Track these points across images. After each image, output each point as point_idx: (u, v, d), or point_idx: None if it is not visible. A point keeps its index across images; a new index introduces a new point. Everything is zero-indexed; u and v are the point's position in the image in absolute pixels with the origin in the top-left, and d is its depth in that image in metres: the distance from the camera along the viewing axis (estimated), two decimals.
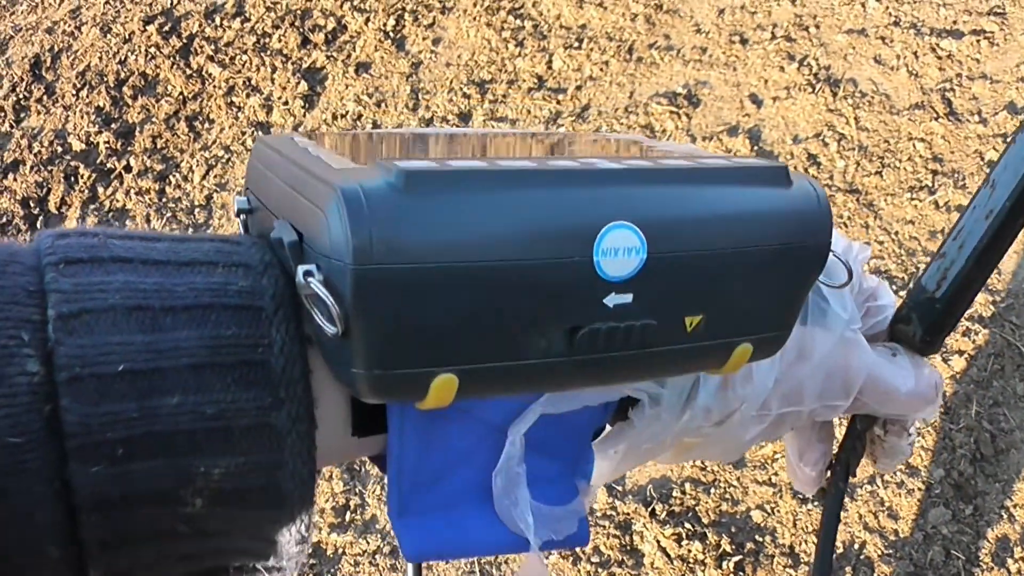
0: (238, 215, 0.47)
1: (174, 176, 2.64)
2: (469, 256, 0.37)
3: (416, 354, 0.38)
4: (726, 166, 0.42)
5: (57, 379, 0.37)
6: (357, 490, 1.96)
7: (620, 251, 0.38)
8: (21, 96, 2.88)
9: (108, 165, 2.69)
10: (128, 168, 2.67)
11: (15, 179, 2.72)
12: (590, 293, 0.38)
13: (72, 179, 2.68)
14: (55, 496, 0.37)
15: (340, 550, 1.88)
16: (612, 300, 0.39)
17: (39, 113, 2.83)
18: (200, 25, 2.91)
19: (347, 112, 2.62)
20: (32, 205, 2.66)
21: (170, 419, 0.38)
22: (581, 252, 0.37)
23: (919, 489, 1.70)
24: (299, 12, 2.89)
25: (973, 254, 0.57)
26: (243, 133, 2.68)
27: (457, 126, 2.41)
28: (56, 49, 2.96)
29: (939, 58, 2.35)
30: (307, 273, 0.38)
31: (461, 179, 0.37)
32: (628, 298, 0.39)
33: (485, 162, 0.40)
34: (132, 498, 0.39)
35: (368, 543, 1.88)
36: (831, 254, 0.46)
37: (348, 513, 1.93)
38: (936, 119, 2.22)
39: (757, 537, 1.73)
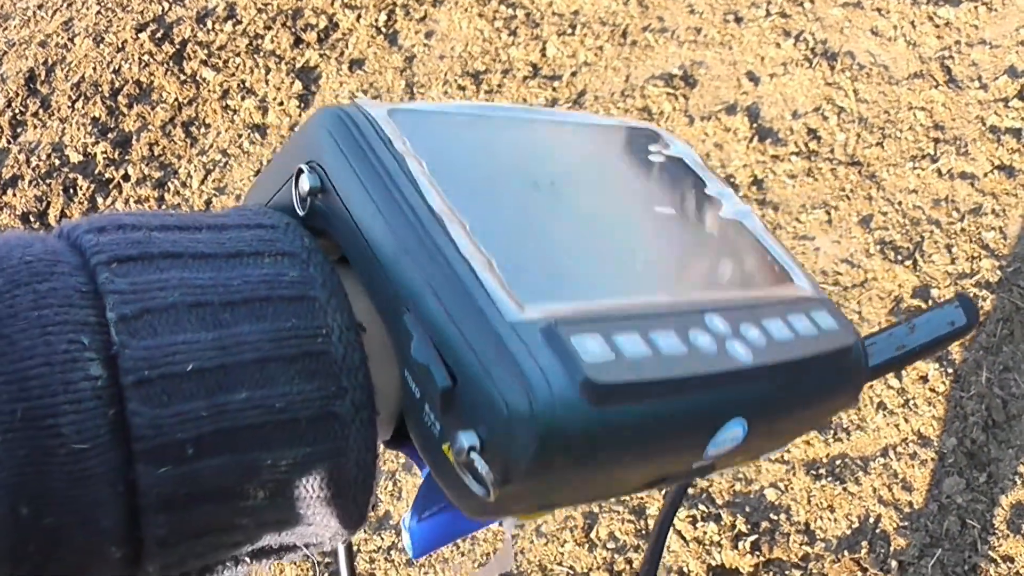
0: (308, 195, 0.46)
1: (172, 183, 2.63)
2: (624, 455, 0.40)
3: (540, 506, 0.42)
4: (823, 352, 0.47)
5: (123, 382, 0.36)
6: None
7: (727, 440, 0.42)
8: (17, 111, 2.88)
9: (106, 175, 2.68)
10: (127, 177, 2.67)
11: (14, 194, 2.72)
12: (688, 463, 0.43)
13: (71, 191, 2.68)
14: (119, 499, 0.37)
15: (355, 547, 1.87)
16: (697, 464, 0.43)
17: (36, 127, 2.83)
18: (192, 30, 2.90)
19: None
20: (32, 219, 2.66)
21: (239, 415, 0.38)
22: (701, 442, 0.42)
23: (932, 459, 1.68)
24: (290, 12, 2.88)
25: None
26: (239, 136, 2.67)
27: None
28: (50, 62, 2.95)
29: (937, 26, 2.32)
30: (471, 448, 0.38)
31: (643, 392, 0.39)
32: (709, 461, 0.43)
33: (651, 350, 0.41)
34: (197, 495, 0.38)
35: (383, 539, 1.87)
36: None
37: None
38: (936, 87, 2.20)
39: (772, 515, 1.71)
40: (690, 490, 1.78)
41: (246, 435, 0.39)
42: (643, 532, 1.76)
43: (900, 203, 2.03)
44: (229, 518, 0.40)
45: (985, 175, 2.01)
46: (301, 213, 0.46)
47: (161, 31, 2.93)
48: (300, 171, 0.46)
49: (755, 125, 2.28)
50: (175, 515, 0.38)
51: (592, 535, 1.79)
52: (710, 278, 0.48)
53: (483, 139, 0.48)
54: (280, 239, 0.43)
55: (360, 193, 0.44)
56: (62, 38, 3.01)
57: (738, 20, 2.51)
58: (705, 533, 1.71)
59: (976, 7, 2.32)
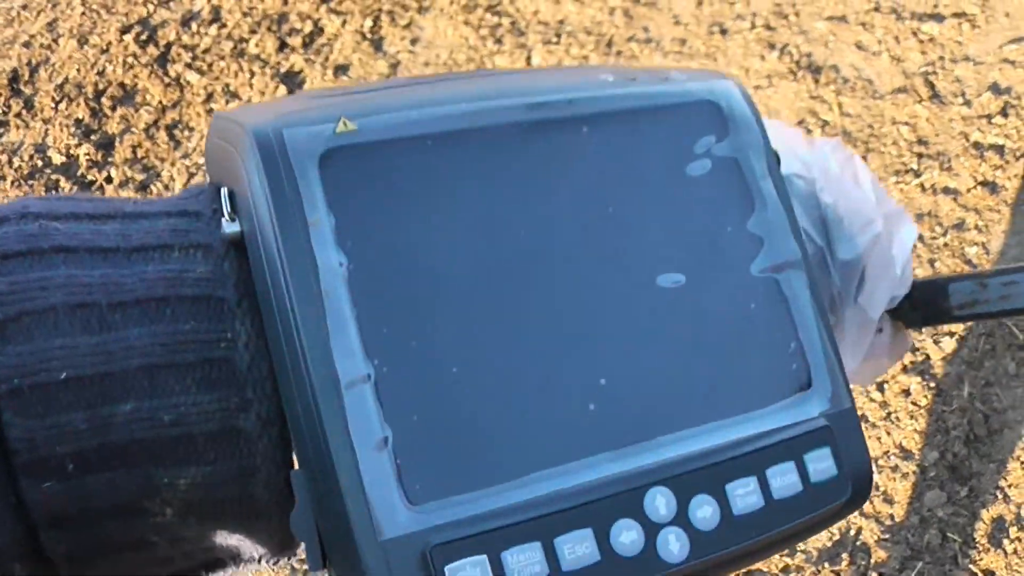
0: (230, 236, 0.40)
1: (155, 186, 2.62)
2: None
3: None
4: (794, 526, 0.41)
5: None
6: None
7: None
8: (0, 111, 2.86)
9: (89, 177, 2.67)
10: (109, 179, 2.65)
11: None
12: None
13: (54, 193, 2.66)
14: (12, 513, 0.34)
15: None
16: None
17: (18, 128, 2.81)
18: (177, 33, 2.89)
19: None
20: None
21: (124, 428, 0.35)
22: None
23: (914, 472, 1.69)
24: (275, 16, 2.87)
25: (1009, 312, 0.53)
26: None
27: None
28: (34, 63, 2.94)
29: (921, 42, 2.34)
30: None
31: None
32: None
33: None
34: (92, 512, 0.36)
35: None
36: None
37: None
38: (920, 102, 2.21)
39: None
40: None
41: (135, 450, 0.35)
42: None
43: None
44: (139, 534, 0.37)
45: (968, 190, 2.02)
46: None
47: (146, 33, 2.92)
48: (223, 195, 0.40)
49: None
50: (72, 532, 0.36)
51: None
52: (688, 410, 0.41)
53: (444, 190, 0.40)
54: (198, 229, 0.39)
55: (261, 276, 0.38)
56: (46, 39, 2.99)
57: (723, 32, 2.52)
58: None
59: (960, 23, 2.34)
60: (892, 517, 1.66)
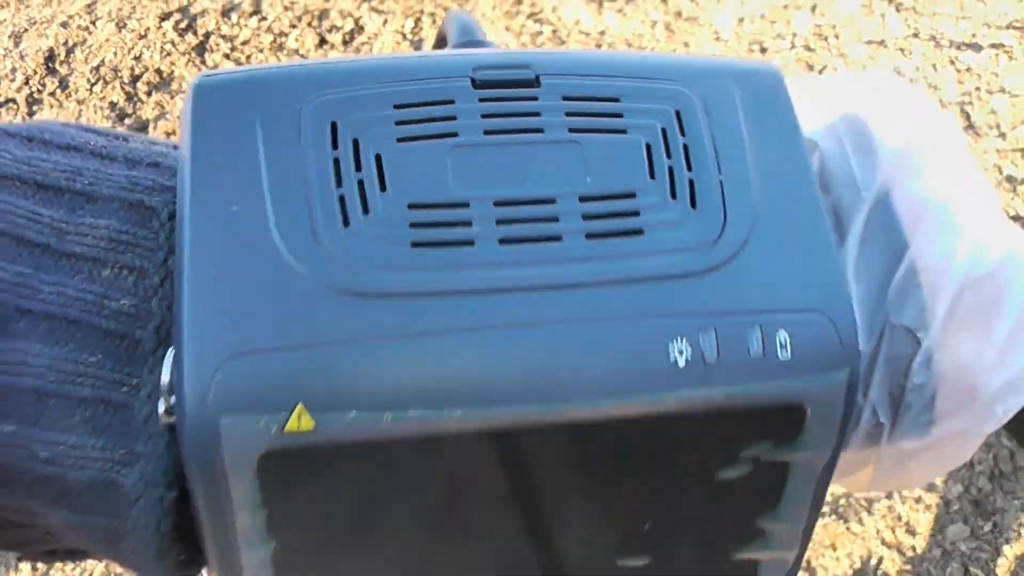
0: None
1: None
2: None
3: None
4: None
5: None
6: None
7: None
8: (35, 89, 2.87)
9: None
10: None
11: None
12: None
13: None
14: None
15: None
16: None
17: (52, 107, 2.82)
18: (217, 23, 2.90)
19: None
20: None
21: (2, 449, 0.32)
22: None
23: (937, 505, 1.70)
24: (317, 12, 2.88)
25: None
26: None
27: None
28: (71, 43, 2.95)
29: (958, 71, 2.35)
30: None
31: None
32: None
33: None
34: None
35: None
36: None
37: None
38: None
39: None
40: None
41: (10, 475, 0.33)
42: None
43: None
44: (22, 538, 0.36)
45: None
46: None
47: (185, 21, 2.93)
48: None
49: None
50: None
51: None
52: None
53: (385, 490, 0.36)
54: (140, 244, 0.35)
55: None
56: (84, 20, 3.01)
57: (763, 50, 2.53)
58: None
59: (997, 55, 2.35)
60: (914, 548, 1.67)
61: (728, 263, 0.34)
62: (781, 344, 0.33)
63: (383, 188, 0.34)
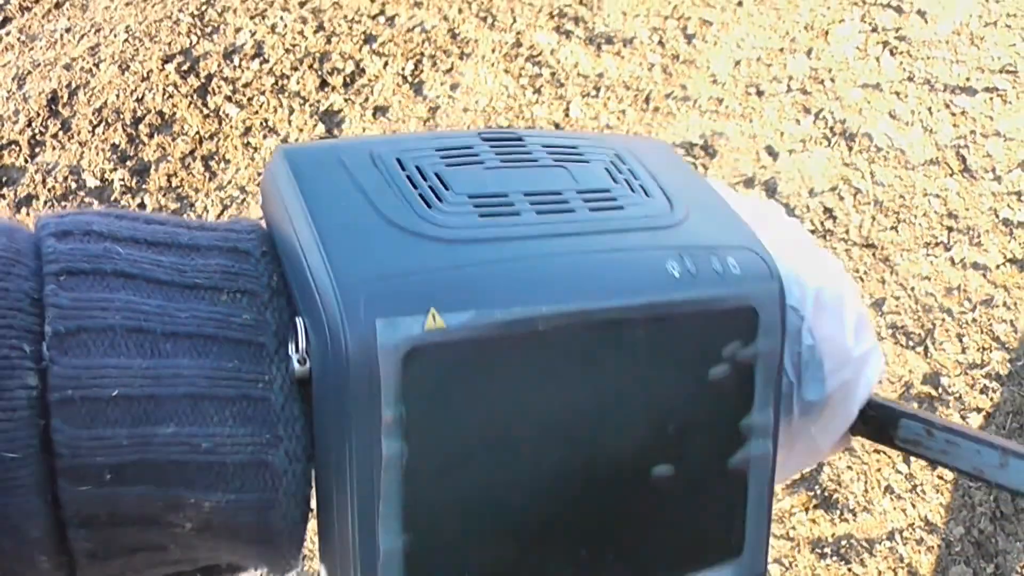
0: None
1: (189, 215, 2.64)
2: None
3: None
4: None
5: (49, 398, 0.36)
6: None
7: None
8: (37, 131, 2.89)
9: (122, 202, 2.70)
10: (142, 206, 2.68)
11: (28, 213, 2.72)
12: None
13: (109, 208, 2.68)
14: (46, 509, 0.37)
15: None
16: None
17: (54, 148, 2.84)
18: (219, 66, 2.93)
19: None
20: None
21: (163, 448, 0.38)
22: None
23: (939, 546, 1.71)
24: (318, 55, 2.91)
25: (946, 466, 0.58)
26: (259, 174, 2.69)
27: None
28: (74, 85, 2.97)
29: (953, 114, 2.38)
30: None
31: None
32: None
33: None
34: (119, 517, 0.38)
35: None
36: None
37: None
38: (951, 175, 2.25)
39: None
40: None
41: (169, 470, 0.38)
42: None
43: (913, 289, 2.07)
44: (158, 541, 0.40)
45: (997, 267, 2.06)
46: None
47: (187, 64, 2.96)
48: (298, 326, 0.42)
49: (773, 199, 2.32)
50: (99, 532, 0.38)
51: None
52: (642, 570, 0.48)
53: (505, 389, 0.43)
54: (246, 274, 0.42)
55: (324, 428, 0.41)
56: (87, 63, 3.03)
57: (759, 93, 2.56)
58: None
59: (991, 98, 2.38)
60: None
61: (682, 223, 0.49)
62: (732, 266, 0.48)
63: (446, 188, 0.46)
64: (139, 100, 2.89)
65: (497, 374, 0.42)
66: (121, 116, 2.86)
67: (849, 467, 1.83)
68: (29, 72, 3.05)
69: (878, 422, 0.58)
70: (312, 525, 0.42)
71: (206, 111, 2.83)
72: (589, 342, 0.44)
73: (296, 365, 0.40)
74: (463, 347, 0.41)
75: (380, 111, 2.74)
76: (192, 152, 2.76)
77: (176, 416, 0.38)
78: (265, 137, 2.75)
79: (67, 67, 3.04)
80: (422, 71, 2.82)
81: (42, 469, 0.36)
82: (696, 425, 0.47)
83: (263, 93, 2.84)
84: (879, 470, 1.82)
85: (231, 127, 2.78)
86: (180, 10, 3.16)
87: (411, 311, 0.40)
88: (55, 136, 2.87)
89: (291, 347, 0.41)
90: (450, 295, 0.41)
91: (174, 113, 2.84)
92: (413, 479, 0.40)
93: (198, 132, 2.79)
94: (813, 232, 2.22)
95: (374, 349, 0.39)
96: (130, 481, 0.37)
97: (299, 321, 0.41)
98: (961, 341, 1.96)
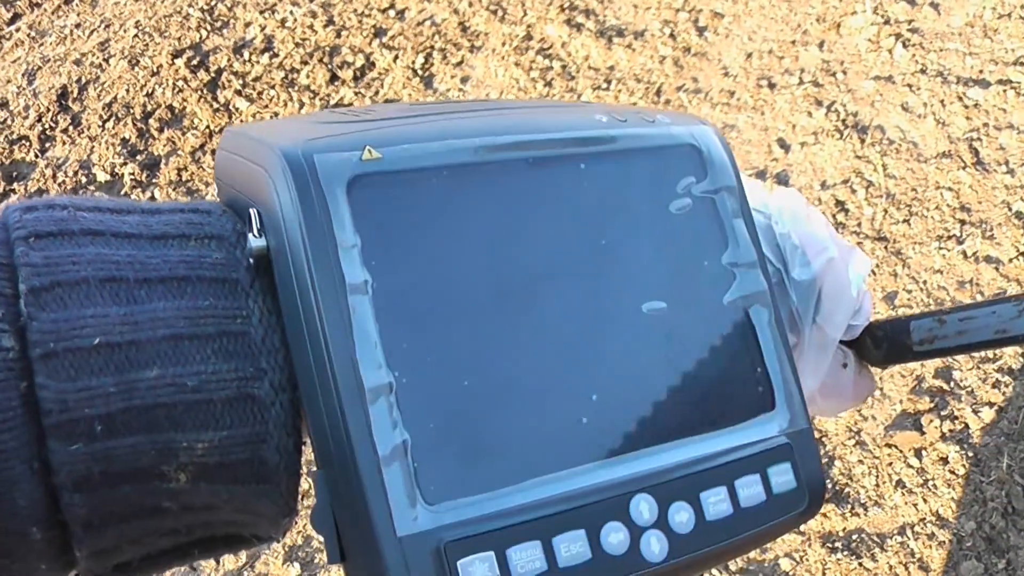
0: (253, 253, 0.44)
1: None
2: None
3: None
4: (757, 532, 0.47)
5: (31, 355, 0.36)
6: None
7: None
8: (47, 126, 2.89)
9: (133, 196, 2.70)
10: (153, 200, 2.68)
11: None
12: None
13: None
14: (35, 476, 0.36)
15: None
16: None
17: (64, 143, 2.84)
18: (228, 60, 2.92)
19: None
20: None
21: (150, 392, 0.38)
22: None
23: (950, 541, 1.70)
24: (328, 49, 2.90)
25: (967, 347, 0.56)
26: None
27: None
28: (83, 80, 2.97)
29: (966, 107, 2.36)
30: None
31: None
32: None
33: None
34: (113, 476, 0.38)
35: None
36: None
37: None
38: (963, 168, 2.23)
39: None
40: None
41: (159, 414, 0.38)
42: None
43: (925, 282, 2.05)
44: (153, 501, 0.39)
45: (1010, 260, 2.04)
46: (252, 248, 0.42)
47: (197, 58, 2.95)
48: (252, 215, 0.43)
49: None
50: (92, 495, 0.37)
51: None
52: (668, 426, 0.45)
53: (458, 216, 0.43)
54: (210, 223, 0.43)
55: (289, 289, 0.41)
56: (97, 58, 3.03)
57: (771, 86, 2.54)
58: None
59: (1005, 91, 2.36)
60: None
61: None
62: (663, 120, 0.50)
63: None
64: (149, 95, 2.89)
65: (443, 205, 0.43)
66: (131, 111, 2.86)
67: (860, 461, 1.82)
68: (39, 67, 3.06)
69: (891, 337, 0.57)
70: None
71: (216, 105, 2.83)
72: (530, 175, 0.45)
73: (253, 243, 0.41)
74: (404, 177, 0.42)
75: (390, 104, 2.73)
76: (202, 146, 2.76)
77: (159, 359, 0.38)
78: None
79: (77, 62, 3.04)
80: (432, 64, 2.81)
81: (26, 433, 0.36)
82: (675, 261, 0.47)
83: (273, 87, 2.83)
84: (890, 464, 1.81)
85: (241, 121, 2.78)
86: (190, 5, 3.16)
87: (348, 150, 0.42)
88: (65, 131, 2.87)
89: (249, 234, 0.42)
90: (385, 138, 0.43)
91: (184, 107, 2.84)
92: (385, 310, 0.40)
93: (208, 126, 2.79)
94: None
95: (318, 183, 0.40)
96: (121, 431, 0.37)
97: (252, 211, 0.42)
98: None
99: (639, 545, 0.42)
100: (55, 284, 0.37)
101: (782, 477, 0.47)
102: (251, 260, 0.42)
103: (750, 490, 0.46)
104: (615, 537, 0.42)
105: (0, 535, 0.36)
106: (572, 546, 0.41)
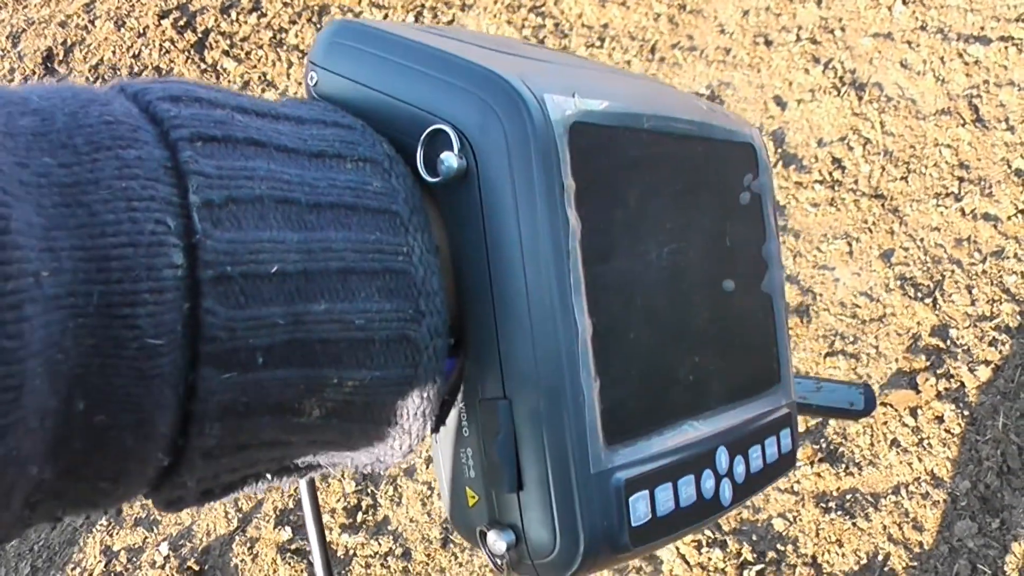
0: (446, 174, 0.41)
1: None
2: None
3: None
4: (771, 482, 0.54)
5: (201, 276, 0.32)
6: (369, 491, 1.93)
7: None
8: None
9: None
10: None
11: None
12: None
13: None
14: (178, 403, 0.33)
15: (351, 551, 1.85)
16: None
17: None
18: (216, 20, 2.88)
19: None
20: None
21: (315, 327, 0.36)
22: None
23: (944, 501, 1.67)
24: (316, 8, 2.86)
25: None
26: None
27: None
28: (69, 43, 2.94)
29: (966, 64, 2.32)
30: (501, 545, 0.42)
31: (653, 543, 0.44)
32: None
33: None
34: (255, 407, 0.35)
35: (380, 544, 1.85)
36: None
37: (360, 514, 1.90)
38: (962, 125, 2.19)
39: (779, 546, 1.70)
40: None
41: (318, 349, 0.36)
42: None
43: (922, 240, 2.02)
44: (279, 434, 0.37)
45: (1009, 218, 2.00)
46: (428, 178, 0.41)
47: (184, 19, 2.91)
48: (440, 133, 0.41)
49: (780, 150, 2.27)
50: (228, 425, 0.35)
51: None
52: (731, 389, 0.50)
53: (644, 177, 0.46)
54: (360, 143, 0.40)
55: (498, 223, 0.40)
56: (83, 19, 2.99)
57: (768, 43, 2.50)
58: (710, 559, 1.70)
59: (1006, 47, 2.31)
60: (921, 545, 1.64)
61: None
62: (729, 114, 0.54)
63: None
64: (136, 56, 2.85)
65: (635, 165, 0.45)
66: (118, 72, 2.83)
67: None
68: (24, 30, 3.02)
69: None
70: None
71: (204, 66, 2.79)
72: (675, 148, 0.48)
73: (452, 163, 0.40)
74: (610, 132, 0.43)
75: None
76: None
77: (328, 292, 0.36)
78: (263, 91, 2.71)
79: (62, 24, 3.00)
80: (423, 23, 2.77)
81: (182, 357, 0.32)
82: (739, 247, 0.51)
83: (261, 47, 2.79)
84: (885, 423, 1.78)
85: (229, 81, 2.75)
86: None
87: (566, 94, 0.42)
88: None
89: (442, 153, 0.40)
90: (592, 90, 0.43)
91: (171, 68, 2.80)
92: (589, 257, 0.41)
93: None
94: (822, 183, 2.17)
95: (550, 123, 0.40)
96: (278, 363, 0.35)
97: (449, 130, 0.41)
98: (971, 293, 1.91)
99: (719, 492, 0.47)
100: (230, 200, 0.34)
101: (786, 440, 0.53)
102: (408, 192, 0.40)
103: (771, 449, 0.51)
104: (707, 484, 0.46)
105: (126, 460, 0.33)
106: (686, 490, 0.45)
